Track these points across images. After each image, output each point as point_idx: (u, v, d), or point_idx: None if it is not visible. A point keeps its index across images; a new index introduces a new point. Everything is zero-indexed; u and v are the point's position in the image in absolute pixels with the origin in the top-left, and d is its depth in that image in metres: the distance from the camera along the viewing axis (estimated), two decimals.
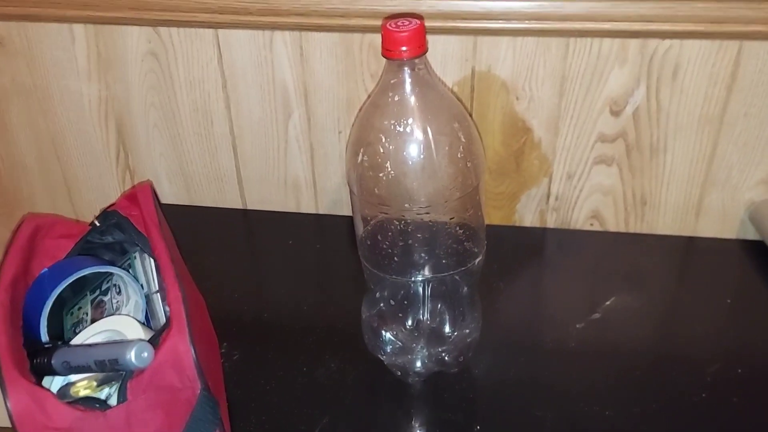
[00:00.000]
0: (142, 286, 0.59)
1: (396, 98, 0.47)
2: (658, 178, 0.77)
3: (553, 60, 0.71)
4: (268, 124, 0.82)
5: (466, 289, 0.55)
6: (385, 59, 0.46)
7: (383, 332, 0.56)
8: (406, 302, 0.55)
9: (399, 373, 0.58)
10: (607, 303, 0.69)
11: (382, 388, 0.59)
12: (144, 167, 0.88)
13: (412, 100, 0.47)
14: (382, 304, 0.56)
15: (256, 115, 0.81)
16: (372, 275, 0.54)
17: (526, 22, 0.69)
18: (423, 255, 0.52)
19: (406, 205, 0.49)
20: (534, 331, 0.66)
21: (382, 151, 0.48)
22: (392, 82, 0.47)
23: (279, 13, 0.73)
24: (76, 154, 0.89)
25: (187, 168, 0.87)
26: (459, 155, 0.48)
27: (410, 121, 0.47)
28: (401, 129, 0.47)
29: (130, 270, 0.61)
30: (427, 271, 0.52)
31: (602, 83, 0.72)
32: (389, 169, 0.47)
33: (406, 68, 0.46)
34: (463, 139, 0.48)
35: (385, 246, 0.51)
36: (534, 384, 0.60)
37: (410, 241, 0.51)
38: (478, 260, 0.54)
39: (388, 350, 0.57)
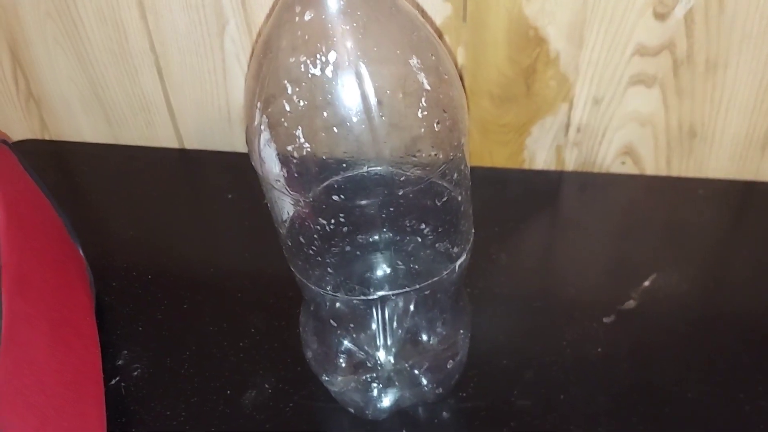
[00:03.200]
0: None
1: (307, 16, 0.27)
2: (713, 102, 0.58)
3: None
4: (198, 37, 0.62)
5: (443, 296, 0.37)
6: None
7: (327, 359, 0.40)
8: (352, 325, 0.38)
9: (352, 411, 0.41)
10: (645, 284, 0.51)
11: (331, 424, 0.43)
12: (50, 94, 0.69)
13: (336, 18, 0.27)
14: (321, 324, 0.39)
15: (181, 26, 0.62)
16: (303, 285, 0.36)
17: None
18: (369, 264, 0.34)
19: (333, 197, 0.30)
20: (544, 332, 0.48)
21: (289, 109, 0.29)
22: None
23: None
24: None
25: (103, 95, 0.68)
26: (420, 113, 0.29)
27: (333, 56, 0.27)
28: (317, 71, 0.28)
29: None
30: (377, 287, 0.35)
31: None
32: (301, 141, 0.29)
33: None
34: (427, 85, 0.29)
35: (312, 252, 0.34)
36: (546, 411, 0.43)
37: (347, 247, 0.33)
38: (459, 263, 0.36)
39: (336, 381, 0.40)
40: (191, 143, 0.70)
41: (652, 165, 0.62)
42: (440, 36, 0.58)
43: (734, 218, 0.58)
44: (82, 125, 0.71)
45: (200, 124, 0.68)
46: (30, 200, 0.46)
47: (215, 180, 0.66)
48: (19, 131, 0.73)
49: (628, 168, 0.63)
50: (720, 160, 0.61)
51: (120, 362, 0.48)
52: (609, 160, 0.63)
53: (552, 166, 0.64)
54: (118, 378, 0.47)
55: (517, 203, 0.60)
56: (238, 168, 0.65)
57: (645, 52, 0.56)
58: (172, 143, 0.70)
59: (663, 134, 0.60)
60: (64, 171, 0.69)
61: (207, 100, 0.66)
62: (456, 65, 0.59)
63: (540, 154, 0.64)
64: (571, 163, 0.64)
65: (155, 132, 0.70)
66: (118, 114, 0.69)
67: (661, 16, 0.54)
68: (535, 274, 0.54)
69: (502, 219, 0.58)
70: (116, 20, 0.62)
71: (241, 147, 0.69)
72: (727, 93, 0.57)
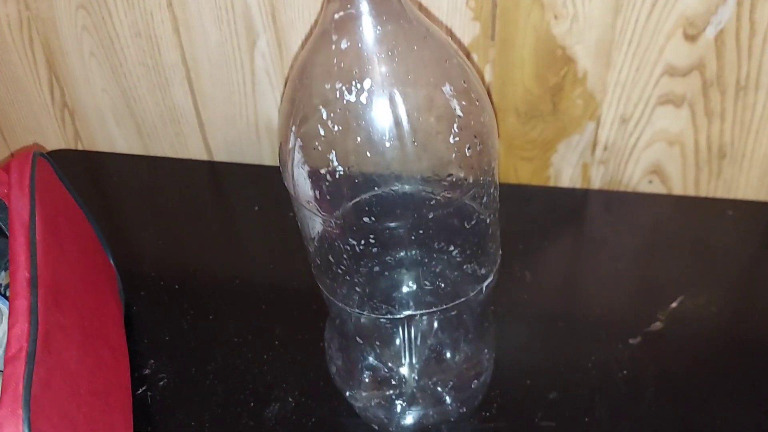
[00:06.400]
0: None
1: (344, 44, 0.28)
2: (743, 123, 0.57)
3: None
4: (228, 52, 0.63)
5: (469, 316, 0.38)
6: None
7: (351, 375, 0.40)
8: (377, 342, 0.38)
9: (376, 427, 0.42)
10: (673, 305, 0.51)
11: None
12: (84, 105, 0.71)
13: (371, 47, 0.28)
14: (346, 340, 0.40)
15: (212, 40, 0.63)
16: (329, 302, 0.37)
17: None
18: (397, 283, 0.35)
19: (364, 219, 0.31)
20: (569, 352, 0.48)
21: (323, 133, 0.29)
22: (337, 17, 0.28)
23: None
24: (2, 88, 0.72)
25: (135, 106, 0.69)
26: (452, 139, 0.29)
27: (368, 84, 0.28)
28: (352, 97, 0.28)
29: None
30: (404, 306, 0.35)
31: None
32: (334, 164, 0.29)
33: None
34: (459, 111, 0.29)
35: (340, 271, 0.34)
36: None
37: (376, 267, 0.33)
38: (486, 284, 0.36)
39: (360, 397, 0.41)
40: (220, 155, 0.71)
41: (680, 185, 0.62)
42: (468, 55, 0.58)
43: (764, 240, 0.57)
44: (114, 135, 0.73)
45: (229, 137, 0.69)
46: (65, 211, 0.47)
47: (243, 192, 0.66)
48: (54, 140, 0.75)
49: (656, 187, 0.63)
50: (750, 181, 0.60)
51: (147, 371, 0.49)
52: (636, 178, 0.63)
53: (578, 184, 0.64)
54: (144, 387, 0.47)
55: (542, 220, 0.60)
56: (265, 181, 0.66)
57: (674, 73, 0.56)
58: (201, 155, 0.71)
59: (692, 154, 0.60)
60: (96, 180, 0.70)
61: (236, 113, 0.67)
62: (483, 82, 0.60)
63: (566, 172, 0.64)
64: (597, 181, 0.64)
65: (185, 143, 0.71)
66: (149, 125, 0.71)
67: (691, 38, 0.53)
68: (560, 292, 0.54)
69: (527, 236, 0.58)
70: (150, 34, 0.63)
71: (268, 160, 0.69)
72: (758, 114, 0.57)
